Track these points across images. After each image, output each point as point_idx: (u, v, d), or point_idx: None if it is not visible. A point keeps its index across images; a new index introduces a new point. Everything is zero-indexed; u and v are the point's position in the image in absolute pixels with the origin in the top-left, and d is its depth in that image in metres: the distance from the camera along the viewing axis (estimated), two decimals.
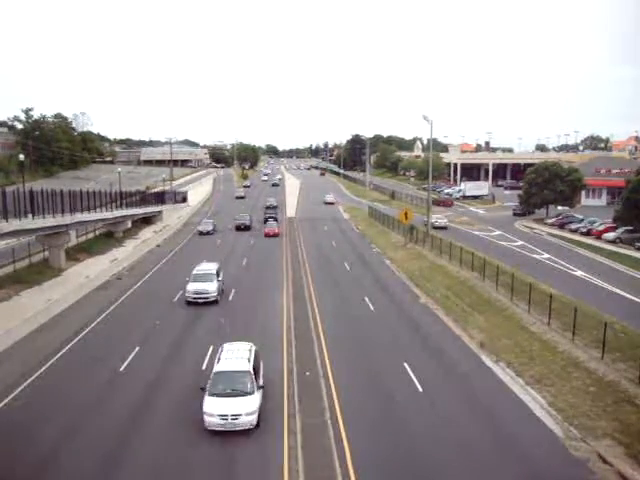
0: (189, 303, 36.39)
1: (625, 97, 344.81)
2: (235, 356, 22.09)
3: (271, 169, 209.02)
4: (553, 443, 19.61)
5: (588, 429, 20.12)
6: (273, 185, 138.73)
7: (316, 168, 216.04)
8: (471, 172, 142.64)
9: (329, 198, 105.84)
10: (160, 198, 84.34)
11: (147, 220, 74.05)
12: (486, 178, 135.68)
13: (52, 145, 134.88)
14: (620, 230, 59.92)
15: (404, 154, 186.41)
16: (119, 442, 19.47)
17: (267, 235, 66.27)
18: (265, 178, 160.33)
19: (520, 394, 23.55)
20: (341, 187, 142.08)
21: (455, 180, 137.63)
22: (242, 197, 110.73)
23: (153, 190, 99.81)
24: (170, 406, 22.20)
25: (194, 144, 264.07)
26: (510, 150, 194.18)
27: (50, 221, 42.24)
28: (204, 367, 25.75)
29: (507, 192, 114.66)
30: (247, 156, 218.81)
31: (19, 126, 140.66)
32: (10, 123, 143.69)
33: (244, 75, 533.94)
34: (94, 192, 55.57)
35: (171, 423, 20.85)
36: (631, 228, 58.83)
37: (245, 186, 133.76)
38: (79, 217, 48.23)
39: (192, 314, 34.80)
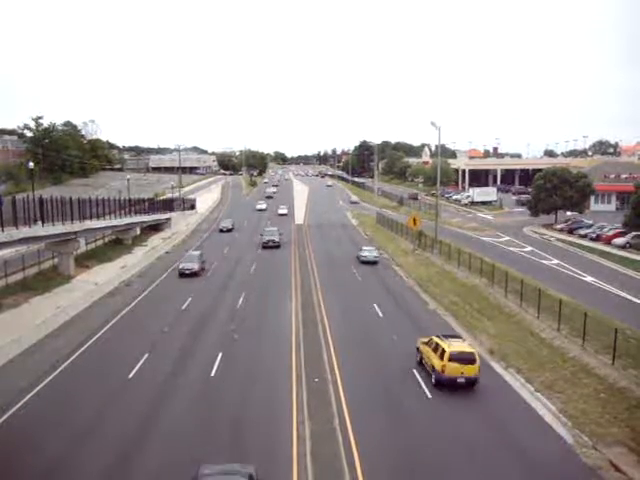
0: None
1: (634, 101, 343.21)
2: None
3: (278, 180, 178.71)
4: (564, 450, 19.44)
5: (599, 436, 19.91)
6: (267, 246, 62.26)
7: (325, 175, 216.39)
8: (479, 178, 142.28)
9: (329, 182, 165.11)
10: (169, 205, 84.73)
11: (156, 227, 74.33)
12: (494, 184, 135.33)
13: (61, 153, 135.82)
14: (630, 235, 59.50)
15: (412, 160, 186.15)
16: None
17: None
18: (263, 207, 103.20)
19: (530, 400, 23.39)
20: (349, 193, 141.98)
21: (463, 186, 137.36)
22: (192, 273, 47.82)
23: (162, 197, 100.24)
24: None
25: (203, 151, 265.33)
26: (518, 156, 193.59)
27: (59, 228, 42.48)
28: (213, 374, 26.13)
29: (515, 198, 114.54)
30: (255, 163, 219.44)
31: (29, 134, 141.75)
32: (20, 131, 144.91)
33: (253, 82, 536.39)
34: (103, 199, 55.94)
35: None
36: None
37: (223, 230, 76.63)
38: (88, 224, 48.48)
39: (200, 325, 34.79)
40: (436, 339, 25.42)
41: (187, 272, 47.43)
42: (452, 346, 24.49)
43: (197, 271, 47.89)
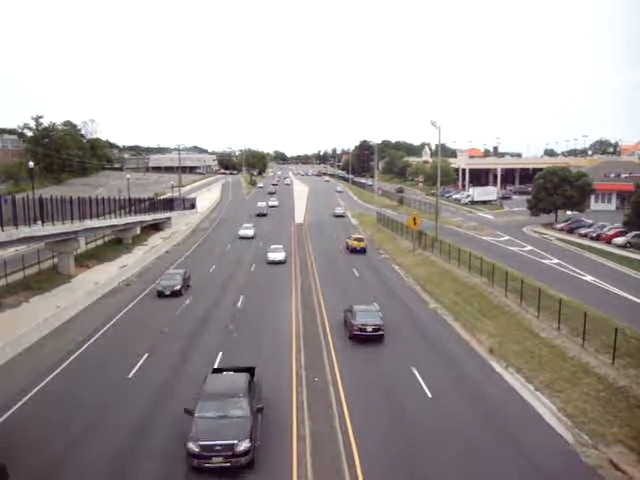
0: None
1: (634, 101, 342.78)
2: None
3: (277, 183, 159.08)
4: (563, 449, 19.42)
5: (599, 435, 19.91)
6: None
7: (324, 174, 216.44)
8: (479, 177, 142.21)
9: (325, 177, 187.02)
10: (169, 205, 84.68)
11: (156, 227, 74.41)
12: (494, 183, 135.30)
13: (61, 152, 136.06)
14: (630, 234, 59.38)
15: (412, 159, 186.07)
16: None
17: None
18: (250, 233, 70.06)
19: (530, 400, 23.38)
20: (349, 193, 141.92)
21: (463, 185, 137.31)
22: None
23: (162, 197, 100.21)
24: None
25: (203, 150, 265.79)
26: (519, 155, 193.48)
27: (59, 228, 42.48)
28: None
29: (515, 197, 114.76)
30: (255, 163, 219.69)
31: (29, 133, 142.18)
32: (20, 130, 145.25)
33: (252, 82, 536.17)
34: (103, 199, 55.91)
35: None
36: None
37: (165, 292, 40.19)
38: (88, 224, 48.47)
39: (197, 325, 34.81)
40: (351, 234, 63.05)
41: None
42: (354, 235, 62.37)
43: None
